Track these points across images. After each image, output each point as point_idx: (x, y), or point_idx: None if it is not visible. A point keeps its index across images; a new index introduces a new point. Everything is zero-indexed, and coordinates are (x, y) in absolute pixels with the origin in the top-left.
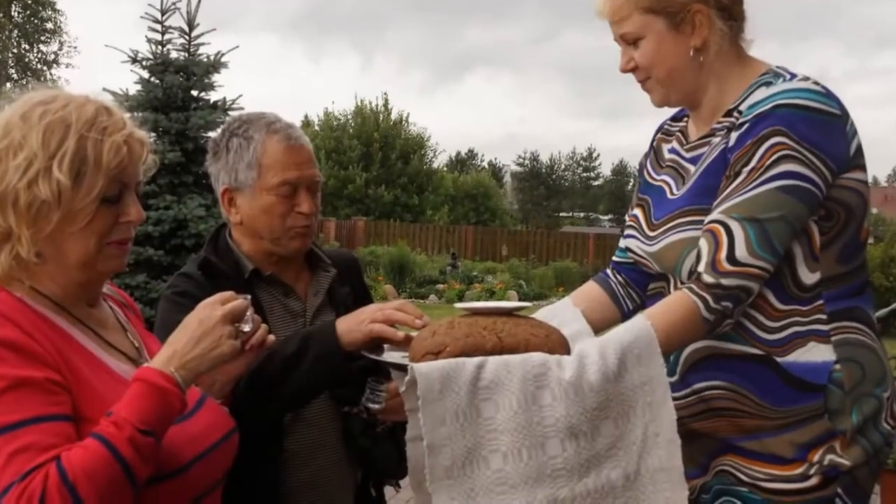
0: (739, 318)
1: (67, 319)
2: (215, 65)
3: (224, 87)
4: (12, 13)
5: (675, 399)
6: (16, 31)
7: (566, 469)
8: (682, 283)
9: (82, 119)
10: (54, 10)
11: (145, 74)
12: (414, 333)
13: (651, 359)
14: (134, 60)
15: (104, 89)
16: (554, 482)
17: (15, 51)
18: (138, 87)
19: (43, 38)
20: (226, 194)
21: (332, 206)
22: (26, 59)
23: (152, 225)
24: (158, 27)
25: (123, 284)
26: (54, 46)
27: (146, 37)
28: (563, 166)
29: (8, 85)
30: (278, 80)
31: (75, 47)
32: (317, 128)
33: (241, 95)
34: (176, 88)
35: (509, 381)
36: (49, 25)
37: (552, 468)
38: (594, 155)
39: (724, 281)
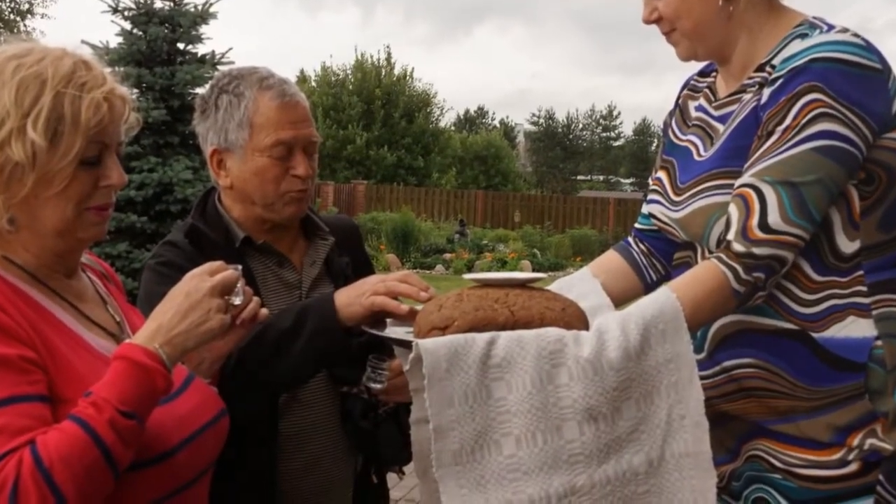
0: (772, 291)
1: (42, 291)
2: (203, 15)
3: (212, 39)
4: None
5: (702, 378)
6: None
7: (584, 454)
8: (710, 252)
9: (59, 74)
10: None
11: (127, 25)
12: (419, 307)
13: (677, 334)
14: (115, 10)
15: (83, 41)
16: (571, 468)
17: None
18: (119, 39)
19: None
20: (214, 156)
21: (329, 168)
22: None
23: (135, 189)
24: None
25: (104, 254)
26: None
27: None
28: (580, 126)
29: None
30: (271, 32)
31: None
32: (313, 84)
33: (230, 49)
34: (160, 41)
35: (522, 358)
36: None
37: (569, 453)
38: (614, 113)
39: (756, 250)
